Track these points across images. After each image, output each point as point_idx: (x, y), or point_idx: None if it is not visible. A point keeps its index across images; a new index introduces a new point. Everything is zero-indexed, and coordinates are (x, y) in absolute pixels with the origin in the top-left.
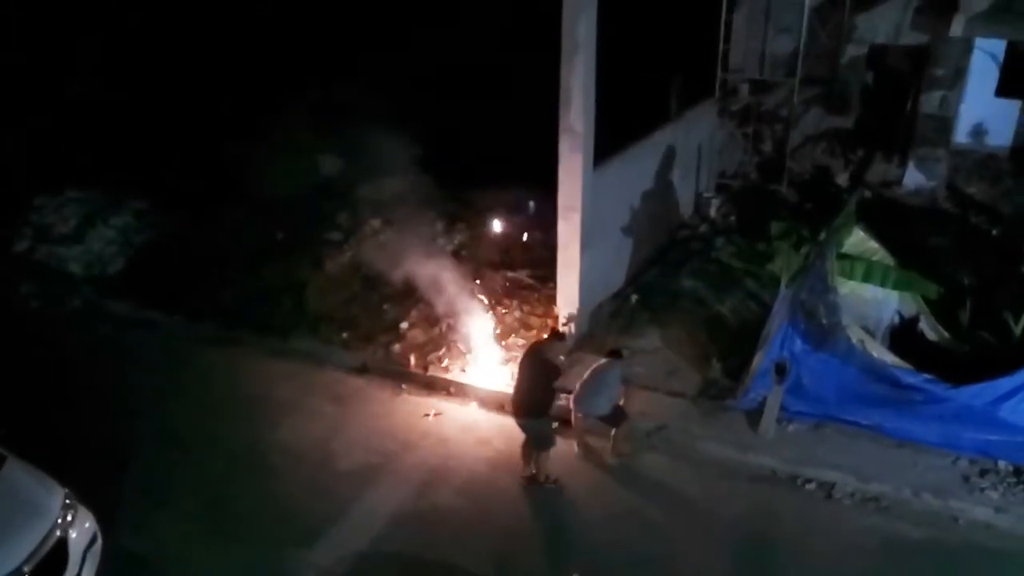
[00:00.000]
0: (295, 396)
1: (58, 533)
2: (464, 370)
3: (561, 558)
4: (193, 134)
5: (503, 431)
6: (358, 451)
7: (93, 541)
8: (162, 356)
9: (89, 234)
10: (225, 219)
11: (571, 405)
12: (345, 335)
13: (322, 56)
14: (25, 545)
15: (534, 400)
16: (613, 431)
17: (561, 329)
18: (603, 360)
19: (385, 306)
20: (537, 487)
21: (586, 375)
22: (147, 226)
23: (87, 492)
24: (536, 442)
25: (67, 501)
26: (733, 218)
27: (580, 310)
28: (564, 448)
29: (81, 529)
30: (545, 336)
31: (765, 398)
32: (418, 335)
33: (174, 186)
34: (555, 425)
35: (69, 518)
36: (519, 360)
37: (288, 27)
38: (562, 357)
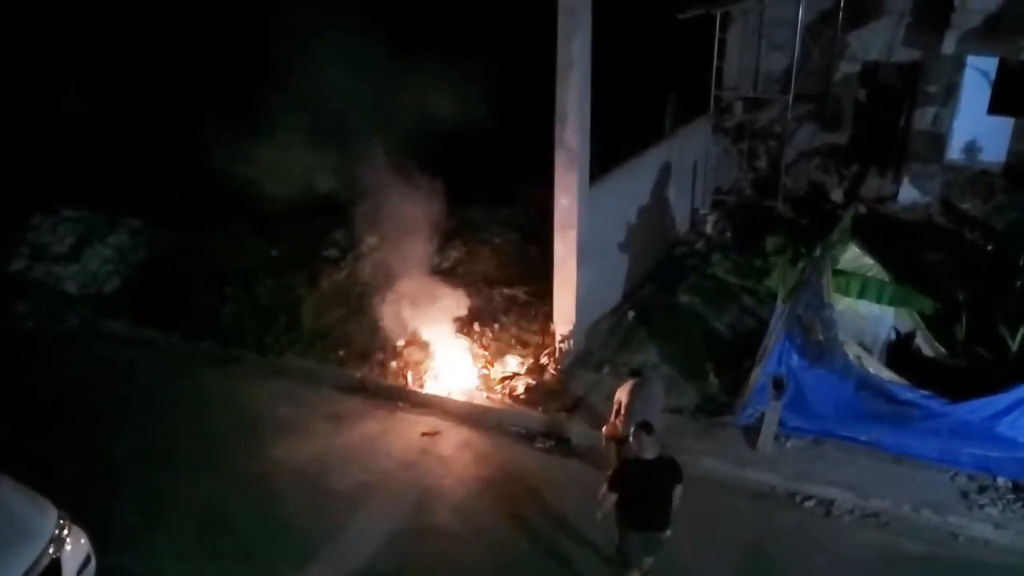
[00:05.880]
0: (291, 414)
1: (52, 553)
2: (460, 388)
3: None
4: (187, 152)
5: (500, 450)
6: (354, 469)
7: (87, 561)
8: (158, 375)
9: (85, 253)
10: (220, 237)
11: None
12: (341, 353)
13: (318, 73)
14: (18, 565)
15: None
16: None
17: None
18: (630, 384)
19: (381, 324)
20: None
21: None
22: (142, 245)
23: (81, 512)
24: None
25: (61, 521)
26: (729, 234)
27: (576, 326)
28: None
29: (75, 549)
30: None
31: (763, 414)
32: (414, 353)
33: (169, 204)
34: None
35: (63, 538)
36: (618, 480)
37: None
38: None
